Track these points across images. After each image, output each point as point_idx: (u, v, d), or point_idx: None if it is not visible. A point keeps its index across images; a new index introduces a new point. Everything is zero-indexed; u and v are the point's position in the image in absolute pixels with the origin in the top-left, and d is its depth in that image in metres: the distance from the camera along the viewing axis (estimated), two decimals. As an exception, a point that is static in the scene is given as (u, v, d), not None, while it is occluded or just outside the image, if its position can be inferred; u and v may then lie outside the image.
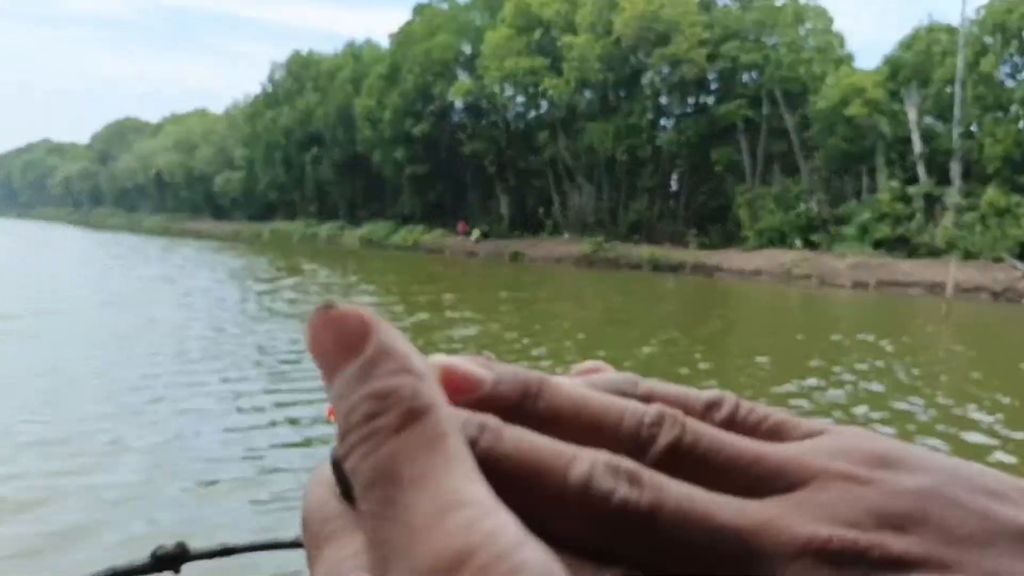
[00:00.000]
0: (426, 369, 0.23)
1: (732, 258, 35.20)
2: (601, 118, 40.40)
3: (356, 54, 55.78)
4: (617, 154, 39.56)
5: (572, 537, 0.22)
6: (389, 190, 53.54)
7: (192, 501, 5.70)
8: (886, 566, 0.22)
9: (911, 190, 31.94)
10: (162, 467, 6.44)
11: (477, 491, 0.21)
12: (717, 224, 38.89)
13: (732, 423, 0.28)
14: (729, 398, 0.29)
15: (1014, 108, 30.18)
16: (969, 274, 28.06)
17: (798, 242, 34.22)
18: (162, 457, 6.69)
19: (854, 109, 32.20)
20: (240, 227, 67.52)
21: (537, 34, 41.78)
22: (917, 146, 31.87)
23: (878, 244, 32.14)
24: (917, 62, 33.42)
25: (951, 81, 31.87)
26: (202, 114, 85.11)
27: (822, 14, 37.67)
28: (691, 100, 39.92)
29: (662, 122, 40.58)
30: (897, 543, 0.22)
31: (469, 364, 0.25)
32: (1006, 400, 9.95)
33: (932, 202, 31.47)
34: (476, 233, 46.00)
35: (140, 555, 2.78)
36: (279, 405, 8.61)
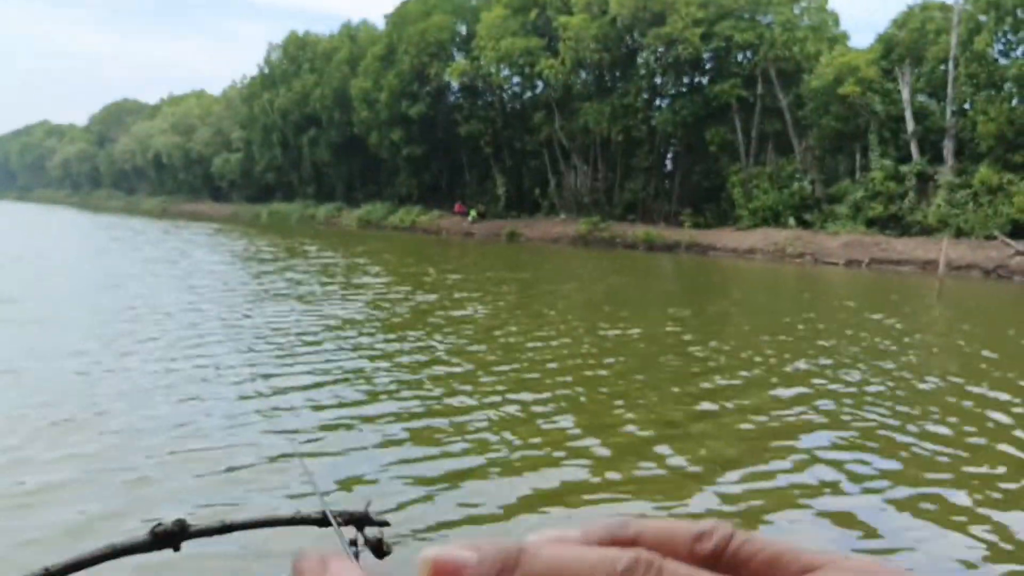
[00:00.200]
0: None
1: (726, 237, 35.38)
2: (597, 98, 40.43)
3: (352, 35, 55.65)
4: (612, 134, 39.63)
5: None
6: (386, 171, 53.62)
7: (192, 481, 5.92)
8: None
9: (904, 169, 32.04)
10: (162, 446, 6.67)
11: None
12: (711, 203, 39.03)
13: (721, 555, 0.27)
14: (721, 529, 0.28)
15: (1007, 86, 30.19)
16: (961, 252, 28.25)
17: (792, 221, 34.38)
18: (164, 437, 6.92)
19: (847, 88, 32.25)
20: (238, 208, 67.64)
21: (533, 14, 41.75)
22: (910, 124, 31.94)
23: (871, 222, 32.31)
24: (911, 40, 33.41)
25: (945, 59, 31.89)
26: (199, 95, 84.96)
27: (817, -8, 37.63)
28: (686, 80, 39.92)
29: (657, 102, 40.59)
30: None
31: (455, 550, 0.28)
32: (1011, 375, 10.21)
33: (925, 180, 31.58)
34: (472, 213, 46.16)
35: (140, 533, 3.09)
36: (284, 386, 8.84)
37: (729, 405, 8.33)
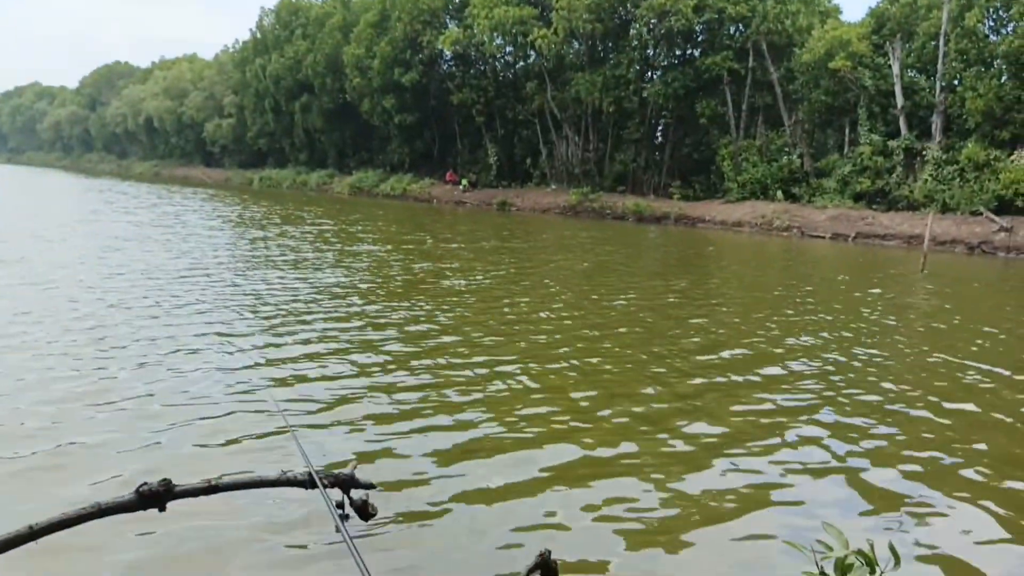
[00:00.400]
0: None
1: (715, 209, 35.69)
2: (589, 69, 40.44)
3: (345, 1, 55.27)
4: (604, 105, 39.70)
5: None
6: (378, 139, 53.59)
7: (179, 441, 6.21)
8: None
9: (892, 144, 32.29)
10: (155, 409, 6.98)
11: None
12: (701, 176, 39.26)
13: None
14: None
15: (997, 63, 30.36)
16: (946, 227, 28.64)
17: (780, 194, 34.66)
18: (156, 399, 7.23)
19: (838, 62, 32.38)
20: (230, 174, 67.49)
21: (526, -17, 41.59)
22: (899, 100, 32.13)
23: (858, 197, 32.63)
24: (902, 15, 33.50)
25: (935, 35, 32.01)
26: (191, 60, 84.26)
27: (811, -35, 37.57)
28: (678, 52, 39.91)
29: (649, 74, 40.62)
30: None
31: None
32: (987, 344, 10.60)
33: (912, 156, 31.85)
34: (464, 182, 46.31)
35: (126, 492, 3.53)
36: (277, 352, 9.14)
37: (734, 378, 8.56)
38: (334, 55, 52.28)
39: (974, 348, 10.73)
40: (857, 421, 7.18)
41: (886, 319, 12.91)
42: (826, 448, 6.47)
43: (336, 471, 3.93)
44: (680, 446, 6.39)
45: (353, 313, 11.44)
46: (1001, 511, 5.40)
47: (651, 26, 38.32)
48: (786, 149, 35.80)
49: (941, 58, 31.31)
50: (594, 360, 9.15)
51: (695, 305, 13.56)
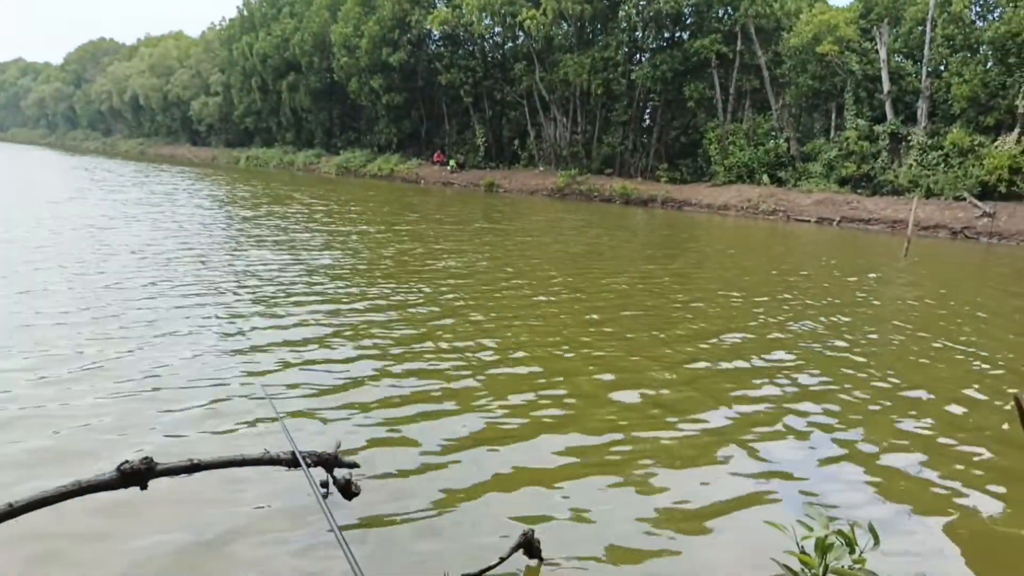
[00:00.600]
0: None
1: (701, 193, 35.82)
2: (577, 51, 40.36)
3: (333, -22, 54.85)
4: (592, 87, 39.67)
5: None
6: (365, 119, 53.36)
7: (164, 422, 6.28)
8: None
9: (878, 129, 32.47)
10: (140, 390, 7.05)
11: None
12: (688, 159, 39.37)
13: None
14: None
15: (983, 49, 30.54)
16: (930, 212, 28.89)
17: (766, 178, 34.82)
18: (141, 381, 7.29)
19: (825, 46, 32.46)
20: (217, 153, 67.07)
21: (515, -37, 41.39)
22: (886, 85, 32.26)
23: (843, 181, 32.83)
24: (890, 1, 33.59)
25: (922, 20, 32.13)
26: (177, 37, 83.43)
27: (800, -52, 37.55)
28: (666, 35, 39.87)
29: (637, 56, 40.58)
30: None
31: None
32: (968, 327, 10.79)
33: (897, 141, 32.04)
34: (452, 163, 46.23)
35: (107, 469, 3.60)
36: (269, 334, 9.20)
37: (729, 363, 8.63)
38: (321, 34, 51.91)
39: (955, 329, 10.92)
40: (842, 406, 7.33)
41: (871, 301, 13.09)
42: (818, 429, 6.61)
43: (319, 451, 4.01)
44: (679, 431, 6.48)
45: (344, 295, 11.49)
46: (990, 492, 5.56)
47: (640, 8, 38.25)
48: (773, 133, 35.92)
49: (928, 43, 31.45)
50: (591, 343, 9.25)
51: (687, 290, 13.68)
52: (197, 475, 4.58)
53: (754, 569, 4.28)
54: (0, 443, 5.68)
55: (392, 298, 11.34)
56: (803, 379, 8.09)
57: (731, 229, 28.06)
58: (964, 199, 28.90)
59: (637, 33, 39.63)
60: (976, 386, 8.20)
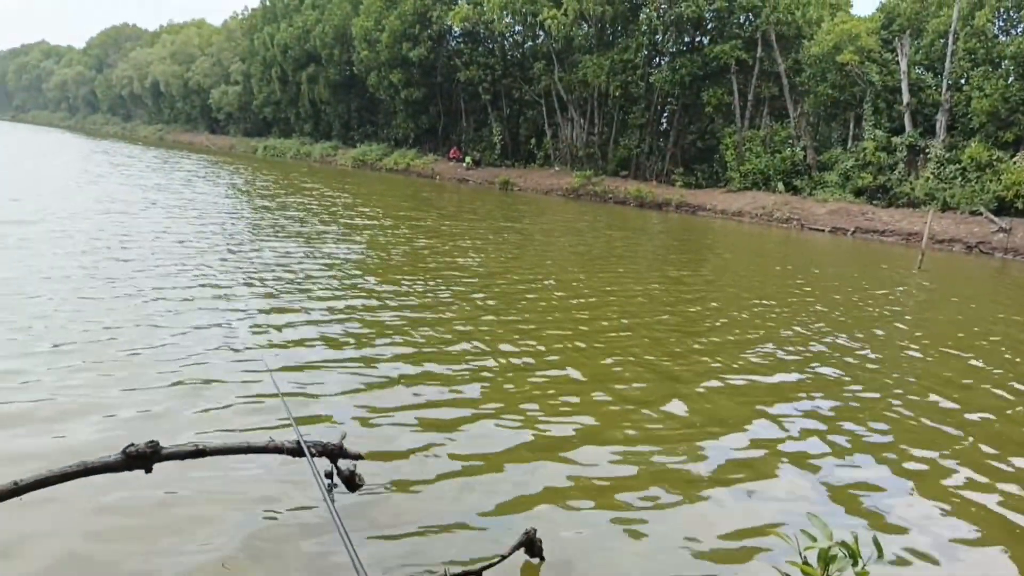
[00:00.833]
0: None
1: (716, 198, 35.75)
2: (597, 52, 40.33)
3: (356, -28, 54.94)
4: (610, 89, 39.63)
5: None
6: (383, 113, 53.48)
7: (171, 406, 6.36)
8: None
9: (896, 140, 32.30)
10: (152, 373, 7.14)
11: None
12: (704, 164, 39.28)
13: None
14: None
15: (1005, 63, 30.33)
16: (945, 225, 28.73)
17: (781, 186, 34.71)
18: (153, 364, 7.39)
19: (846, 56, 32.32)
20: (235, 142, 67.34)
21: (538, -38, 41.38)
22: (905, 96, 32.11)
23: (859, 192, 32.68)
24: (912, 12, 33.41)
25: (944, 33, 31.94)
26: (200, 25, 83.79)
27: (824, -43, 37.39)
28: (686, 39, 39.78)
29: (657, 59, 40.50)
30: None
31: None
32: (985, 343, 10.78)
33: (915, 153, 31.88)
34: (468, 160, 46.28)
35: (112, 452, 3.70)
36: (288, 325, 9.29)
37: (730, 364, 8.72)
38: (343, 26, 52.05)
39: (967, 342, 10.91)
40: (850, 413, 7.35)
41: (882, 312, 13.07)
42: (821, 438, 6.64)
43: (325, 441, 4.07)
44: (666, 428, 6.53)
45: (357, 286, 11.56)
46: (988, 506, 5.58)
47: (661, 11, 38.19)
48: (790, 141, 35.80)
49: (949, 56, 31.28)
50: (592, 340, 9.28)
51: (701, 292, 13.69)
52: (202, 463, 4.67)
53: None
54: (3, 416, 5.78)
55: (408, 294, 11.39)
56: (840, 393, 8.05)
57: (746, 236, 28.01)
58: (980, 214, 28.73)
59: (657, 36, 39.55)
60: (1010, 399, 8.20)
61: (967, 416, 7.68)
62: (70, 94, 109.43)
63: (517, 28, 44.34)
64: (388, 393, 6.93)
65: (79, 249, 12.73)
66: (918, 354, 10.29)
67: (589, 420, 6.63)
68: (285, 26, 57.66)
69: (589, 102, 41.97)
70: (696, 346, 9.63)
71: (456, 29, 45.97)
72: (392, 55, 46.86)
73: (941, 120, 31.50)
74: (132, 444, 3.26)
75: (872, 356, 9.88)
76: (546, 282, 13.45)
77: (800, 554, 3.26)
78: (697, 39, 39.59)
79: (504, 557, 4.05)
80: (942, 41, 32.11)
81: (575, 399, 7.17)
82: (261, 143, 63.18)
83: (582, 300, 12.10)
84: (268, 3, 62.35)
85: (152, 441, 3.34)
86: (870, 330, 11.59)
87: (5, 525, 4.05)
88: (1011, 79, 30.05)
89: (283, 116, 63.66)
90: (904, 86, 32.01)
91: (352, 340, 8.59)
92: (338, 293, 10.98)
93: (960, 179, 30.02)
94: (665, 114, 41.96)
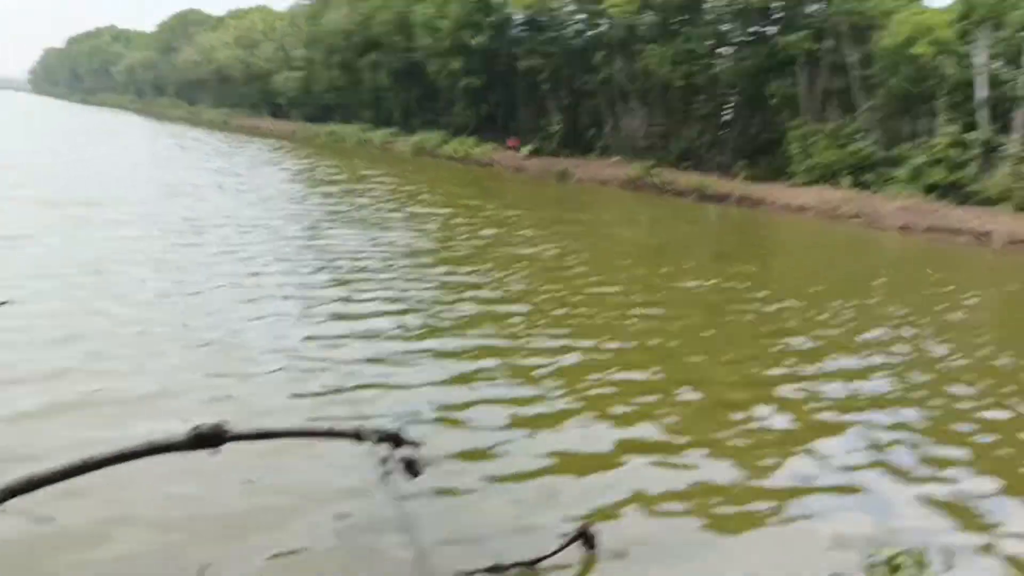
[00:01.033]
0: None
1: (779, 192, 34.96)
2: (660, 41, 39.75)
3: (419, -41, 55.06)
4: (673, 79, 39.05)
5: None
6: (443, 100, 53.57)
7: (238, 387, 6.39)
8: None
9: (970, 136, 31.19)
10: (217, 356, 7.18)
11: None
12: (767, 157, 38.43)
13: None
14: None
15: (1089, 58, 29.07)
16: (1021, 225, 27.66)
17: (848, 181, 33.79)
18: (219, 346, 7.43)
19: (920, 48, 31.27)
20: (297, 127, 68.24)
21: (603, -51, 40.92)
22: (981, 91, 30.96)
23: (930, 189, 31.62)
24: (992, 3, 32.14)
25: (1025, 25, 30.72)
26: (263, 10, 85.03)
27: (900, -55, 36.21)
28: (752, 29, 38.94)
29: (721, 50, 39.75)
30: None
31: None
32: None
33: (990, 150, 30.73)
34: (526, 149, 46.11)
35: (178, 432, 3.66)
36: (347, 310, 9.31)
37: (805, 368, 8.39)
38: (405, 14, 52.24)
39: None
40: (925, 422, 7.06)
41: (953, 315, 12.59)
42: (891, 445, 6.37)
43: (384, 428, 4.00)
44: (750, 432, 6.30)
45: (424, 276, 11.55)
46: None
47: (727, 1, 37.44)
48: (858, 135, 34.83)
49: (1030, 50, 30.07)
50: (667, 338, 9.07)
51: (766, 290, 13.36)
52: (267, 446, 4.64)
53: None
54: (68, 395, 5.86)
55: (477, 285, 11.34)
56: (927, 402, 7.72)
57: (811, 232, 27.37)
58: (1058, 214, 27.59)
59: (723, 26, 38.79)
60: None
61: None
62: (138, 77, 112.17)
63: (580, 17, 43.94)
64: (457, 383, 6.87)
65: (154, 231, 12.96)
66: (994, 359, 9.87)
67: (670, 419, 6.44)
68: (348, 12, 58.11)
69: (651, 92, 41.42)
70: (779, 347, 9.34)
71: (518, 17, 45.73)
72: (453, 43, 46.87)
73: (1019, 116, 30.31)
74: (199, 425, 3.23)
75: (949, 359, 9.49)
76: (612, 275, 13.25)
77: (867, 561, 3.07)
78: (764, 29, 38.74)
79: (559, 549, 3.99)
80: (1022, 34, 30.85)
81: (652, 396, 6.97)
82: (323, 128, 63.90)
83: (653, 295, 11.87)
84: (332, -11, 62.87)
85: (219, 422, 3.31)
86: (963, 337, 11.14)
87: (82, 512, 4.04)
88: (1095, 74, 28.77)
89: (344, 102, 64.26)
90: (981, 80, 30.87)
91: (422, 330, 8.56)
92: (405, 282, 10.97)
93: (1037, 177, 28.86)
94: (729, 105, 41.18)
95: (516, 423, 6.01)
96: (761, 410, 6.89)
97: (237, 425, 3.52)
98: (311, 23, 65.13)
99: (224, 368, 6.72)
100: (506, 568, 3.88)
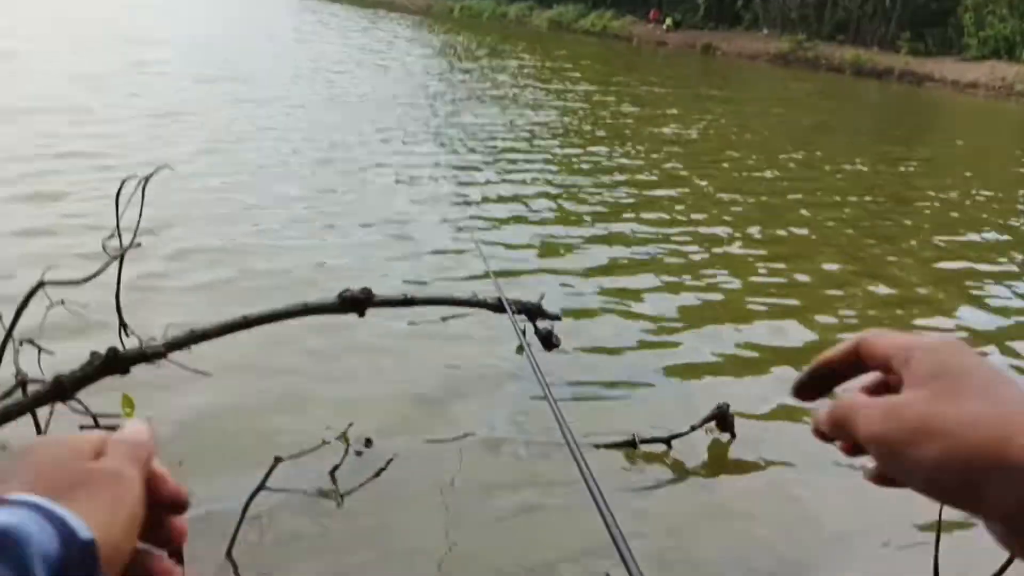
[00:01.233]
0: None
1: (947, 67, 32.12)
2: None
3: None
4: (833, -58, 35.89)
5: None
6: (582, -30, 51.51)
7: (387, 259, 6.57)
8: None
9: None
10: (358, 231, 7.36)
11: None
12: (935, 29, 35.16)
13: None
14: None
15: None
16: None
17: (1027, 55, 30.65)
18: (357, 219, 7.62)
19: None
20: (432, 1, 67.55)
21: None
22: None
23: (1124, 63, 28.32)
24: None
25: None
26: None
27: None
28: None
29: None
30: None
31: None
32: None
33: None
34: (668, 22, 44.00)
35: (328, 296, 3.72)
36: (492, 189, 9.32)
37: (996, 264, 7.70)
38: None
39: None
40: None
41: None
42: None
43: (525, 300, 4.03)
44: (940, 331, 5.89)
45: (568, 155, 11.36)
46: None
47: None
48: (1045, 2, 31.29)
49: None
50: (839, 226, 8.56)
51: (938, 176, 12.40)
52: (410, 314, 4.79)
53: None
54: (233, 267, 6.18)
55: (609, 161, 11.09)
56: None
57: (982, 111, 25.18)
58: None
59: None
60: None
61: None
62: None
63: None
64: (592, 264, 6.80)
65: (290, 105, 13.27)
66: None
67: (848, 313, 6.10)
68: None
69: (807, -43, 38.33)
70: (966, 240, 8.64)
71: None
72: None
73: None
74: (347, 289, 3.37)
75: None
76: (767, 157, 12.63)
77: None
78: None
79: (694, 428, 3.95)
80: None
81: (831, 290, 6.60)
82: (457, 3, 62.99)
83: (814, 181, 11.21)
84: None
85: (365, 288, 3.43)
86: None
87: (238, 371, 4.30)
88: None
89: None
90: None
91: (556, 208, 8.48)
92: (554, 164, 10.83)
93: None
94: (894, -30, 37.64)
95: (671, 312, 5.89)
96: (955, 307, 6.43)
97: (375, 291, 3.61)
98: None
99: (353, 236, 6.91)
100: (640, 442, 3.89)
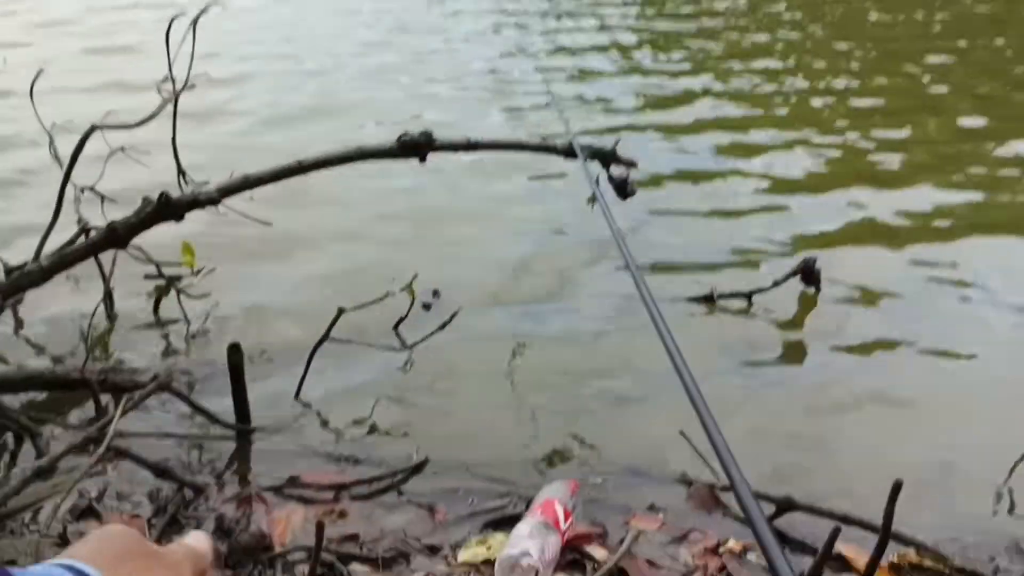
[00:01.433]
0: None
1: None
2: None
3: None
4: None
5: None
6: None
7: (446, 107, 6.35)
8: None
9: None
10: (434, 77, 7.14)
11: None
12: None
13: None
14: None
15: None
16: None
17: None
18: (441, 67, 7.41)
19: None
20: None
21: None
22: None
23: None
24: None
25: None
26: None
27: None
28: None
29: None
30: None
31: None
32: None
33: None
34: None
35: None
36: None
37: None
38: None
39: None
40: None
41: None
42: None
43: (598, 145, 3.75)
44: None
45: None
46: None
47: None
48: None
49: None
50: (954, 71, 7.66)
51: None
52: (475, 166, 4.61)
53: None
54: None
55: (701, 5, 10.39)
56: None
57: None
58: None
59: None
60: None
61: None
62: None
63: None
64: (675, 108, 6.43)
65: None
66: None
67: (916, 155, 5.56)
68: None
69: None
70: None
71: None
72: None
73: None
74: (407, 132, 3.18)
75: None
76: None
77: None
78: None
79: (777, 283, 3.71)
80: None
81: (899, 132, 6.00)
82: None
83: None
84: None
85: (426, 131, 3.23)
86: None
87: (291, 220, 4.21)
88: None
89: None
90: None
91: (639, 52, 8.02)
92: (629, 4, 10.22)
93: None
94: None
95: (733, 149, 5.55)
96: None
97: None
98: None
99: (424, 84, 6.72)
100: (720, 297, 3.70)
